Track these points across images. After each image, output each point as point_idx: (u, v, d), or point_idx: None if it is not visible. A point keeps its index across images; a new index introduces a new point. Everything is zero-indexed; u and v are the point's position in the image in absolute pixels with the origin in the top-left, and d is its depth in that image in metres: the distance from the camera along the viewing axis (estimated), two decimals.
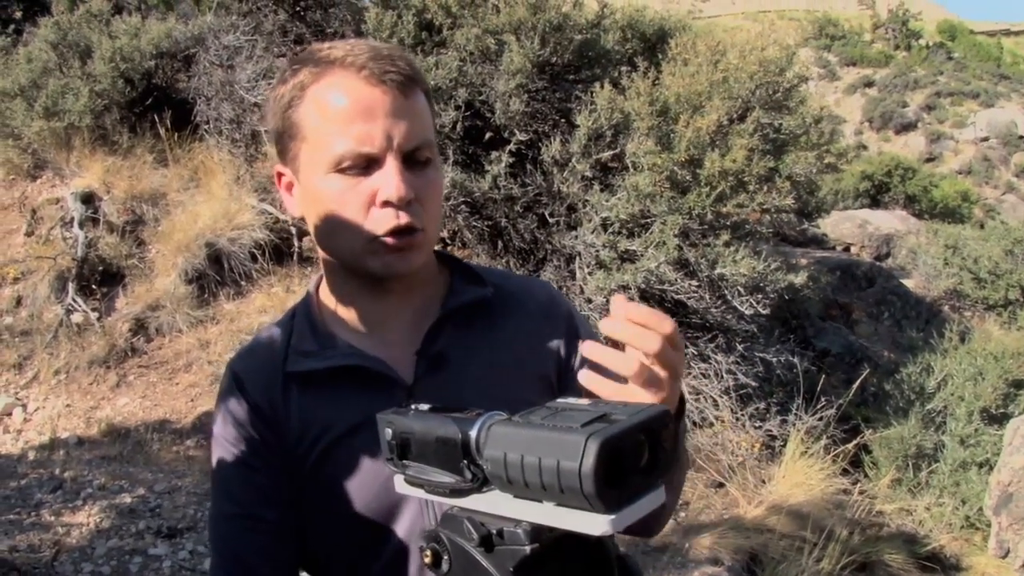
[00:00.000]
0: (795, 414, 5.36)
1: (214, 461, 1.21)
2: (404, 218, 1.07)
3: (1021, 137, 34.86)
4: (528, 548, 0.78)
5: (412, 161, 1.09)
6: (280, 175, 1.20)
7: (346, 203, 1.08)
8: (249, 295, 6.31)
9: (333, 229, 1.11)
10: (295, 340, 1.19)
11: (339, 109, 1.07)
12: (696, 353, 5.40)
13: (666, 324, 0.92)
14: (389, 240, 1.08)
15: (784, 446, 5.25)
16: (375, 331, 1.19)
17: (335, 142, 1.07)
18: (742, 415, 5.37)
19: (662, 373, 0.93)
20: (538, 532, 0.78)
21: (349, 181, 1.08)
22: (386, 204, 1.07)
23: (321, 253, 1.19)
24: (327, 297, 1.23)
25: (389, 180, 1.06)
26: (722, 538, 4.31)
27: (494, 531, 0.81)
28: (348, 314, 1.20)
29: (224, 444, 1.19)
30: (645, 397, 0.92)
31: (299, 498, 1.16)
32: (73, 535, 3.90)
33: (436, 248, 1.27)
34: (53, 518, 4.04)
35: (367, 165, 1.07)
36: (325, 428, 1.14)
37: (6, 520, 3.98)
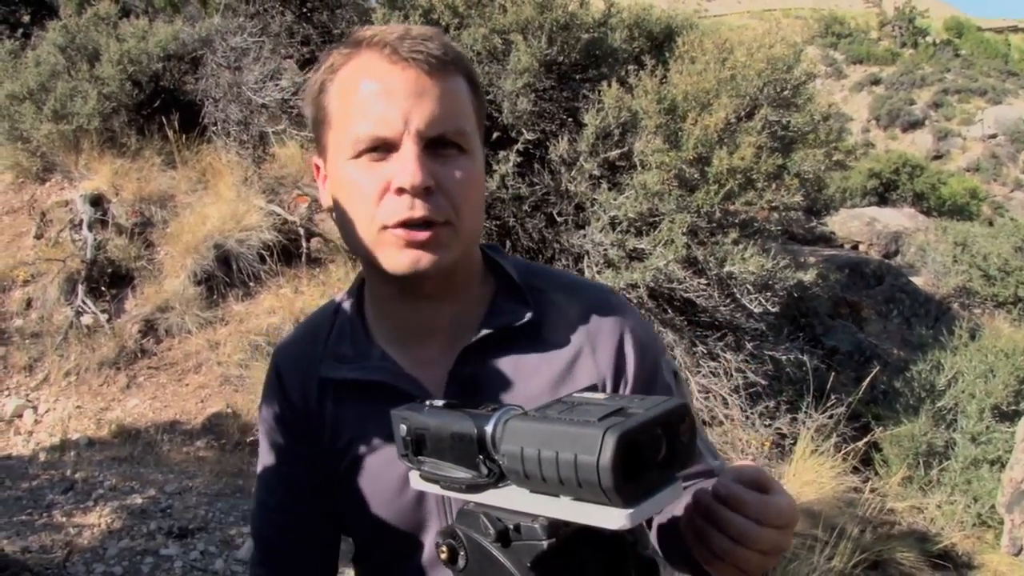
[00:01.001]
0: (805, 412, 5.35)
1: (260, 448, 1.23)
2: (420, 209, 0.98)
3: None
4: (545, 543, 0.78)
5: (440, 148, 1.00)
6: (317, 167, 1.12)
7: (361, 189, 1.00)
8: (258, 296, 6.32)
9: (348, 219, 1.04)
10: (333, 340, 1.16)
11: (360, 90, 1.00)
12: (705, 351, 5.39)
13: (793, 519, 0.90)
14: (399, 232, 0.99)
15: (794, 444, 5.24)
16: (411, 342, 1.13)
17: (354, 125, 1.00)
18: (752, 413, 5.36)
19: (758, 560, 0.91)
20: (555, 527, 0.78)
21: (367, 166, 1.00)
22: (400, 192, 0.98)
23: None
24: (368, 296, 1.18)
25: (404, 165, 0.97)
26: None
27: (511, 526, 0.80)
28: (386, 319, 1.15)
29: (266, 434, 1.21)
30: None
31: (333, 492, 1.16)
32: (85, 536, 3.91)
33: (486, 247, 1.19)
34: (65, 519, 4.05)
35: (386, 150, 0.99)
36: (353, 439, 1.12)
37: (18, 521, 3.99)
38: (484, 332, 1.10)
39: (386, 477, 1.10)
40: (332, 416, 1.13)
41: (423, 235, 0.99)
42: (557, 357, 1.13)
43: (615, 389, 1.14)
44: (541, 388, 1.10)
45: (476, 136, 1.06)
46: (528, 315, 1.12)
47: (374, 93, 0.99)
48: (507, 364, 1.12)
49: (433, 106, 0.99)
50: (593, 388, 1.13)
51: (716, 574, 0.96)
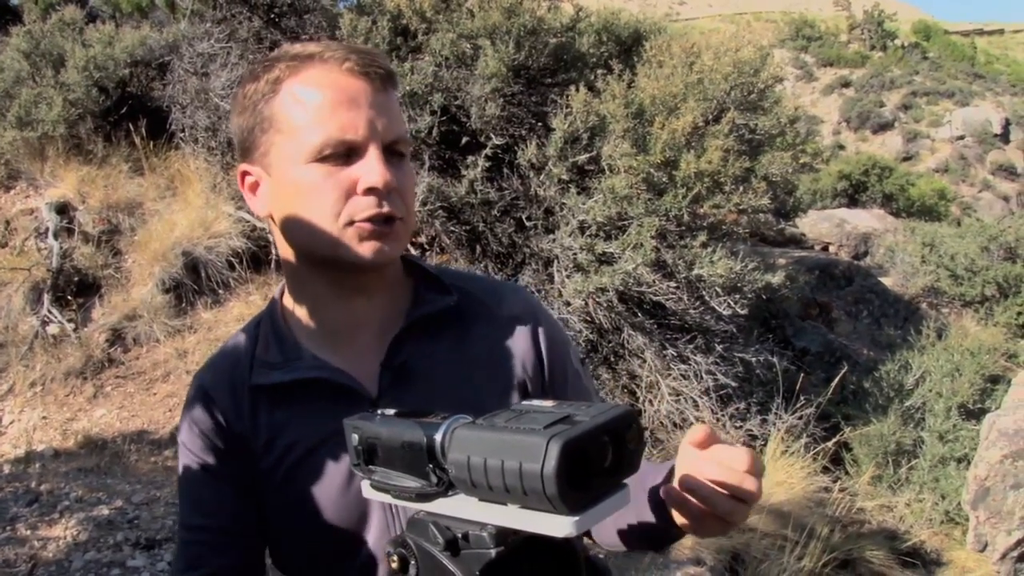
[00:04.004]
0: (775, 413, 5.37)
1: (179, 468, 1.22)
2: (386, 206, 1.07)
3: (996, 135, 35.27)
4: (493, 551, 0.78)
5: (390, 153, 1.09)
6: (245, 175, 1.16)
7: (325, 191, 1.07)
8: (227, 303, 6.27)
9: (309, 219, 1.09)
10: (260, 350, 1.19)
11: (322, 99, 1.06)
12: (676, 354, 5.41)
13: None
14: (367, 225, 1.07)
15: (765, 445, 5.27)
16: (341, 340, 1.18)
17: (316, 131, 1.06)
18: (722, 415, 5.38)
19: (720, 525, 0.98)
20: (504, 535, 0.78)
21: (329, 170, 1.06)
22: (369, 192, 1.06)
23: (287, 255, 1.17)
24: (292, 304, 1.22)
25: (373, 167, 1.06)
26: (704, 538, 4.32)
27: (460, 535, 0.80)
28: (314, 322, 1.19)
29: (187, 453, 1.20)
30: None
31: (261, 508, 1.17)
32: (50, 549, 3.86)
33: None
34: (29, 532, 4.00)
35: (348, 154, 1.06)
36: (292, 442, 1.14)
37: None
38: (412, 319, 1.18)
39: (330, 473, 1.13)
40: (267, 423, 1.16)
41: (388, 228, 1.09)
42: (482, 341, 1.22)
43: (538, 369, 1.24)
44: (470, 371, 1.19)
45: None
46: (453, 300, 1.21)
47: (339, 102, 1.06)
48: (436, 350, 1.19)
49: (388, 116, 1.09)
50: (526, 389, 1.22)
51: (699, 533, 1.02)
